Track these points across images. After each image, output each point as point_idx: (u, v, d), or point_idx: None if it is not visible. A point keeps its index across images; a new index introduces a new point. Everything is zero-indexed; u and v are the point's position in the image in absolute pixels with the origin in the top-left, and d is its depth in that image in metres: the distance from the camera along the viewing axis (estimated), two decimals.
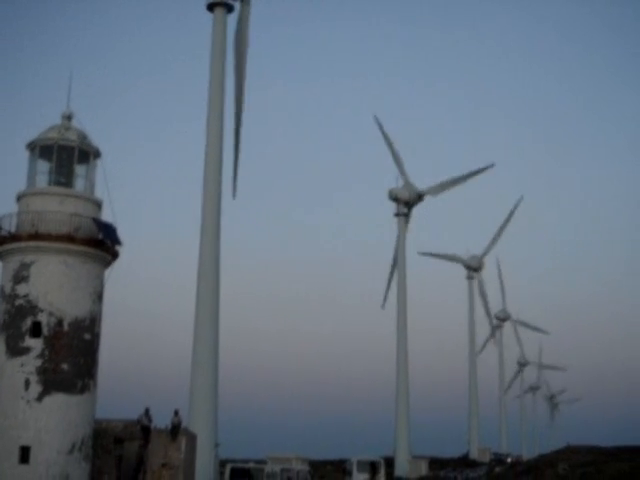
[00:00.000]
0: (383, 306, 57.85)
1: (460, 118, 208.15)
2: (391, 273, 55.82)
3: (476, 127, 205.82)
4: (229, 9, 32.99)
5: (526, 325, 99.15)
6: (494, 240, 71.31)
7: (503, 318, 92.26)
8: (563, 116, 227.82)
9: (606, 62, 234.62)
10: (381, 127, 53.21)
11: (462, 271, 72.63)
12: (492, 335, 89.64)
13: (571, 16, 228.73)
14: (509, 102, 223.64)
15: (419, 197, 53.84)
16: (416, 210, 54.40)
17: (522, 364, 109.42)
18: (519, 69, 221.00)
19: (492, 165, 59.33)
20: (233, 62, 33.61)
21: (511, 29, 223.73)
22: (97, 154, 45.07)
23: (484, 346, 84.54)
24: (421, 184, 57.35)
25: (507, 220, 71.92)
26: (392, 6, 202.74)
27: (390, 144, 56.50)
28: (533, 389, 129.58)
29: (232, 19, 35.23)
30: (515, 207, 72.28)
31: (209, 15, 34.52)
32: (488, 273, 78.76)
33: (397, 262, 51.60)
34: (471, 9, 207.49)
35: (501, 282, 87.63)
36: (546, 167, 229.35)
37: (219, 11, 32.69)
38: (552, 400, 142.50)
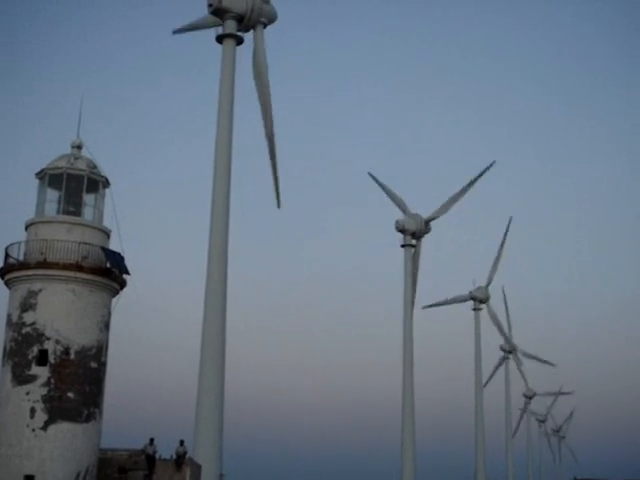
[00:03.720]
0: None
1: (456, 139, 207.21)
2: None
3: (476, 149, 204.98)
4: (239, 41, 33.19)
5: (532, 357, 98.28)
6: (494, 268, 70.47)
7: (509, 350, 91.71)
8: (562, 131, 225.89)
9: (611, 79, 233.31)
10: (377, 180, 53.15)
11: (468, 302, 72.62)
12: (503, 361, 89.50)
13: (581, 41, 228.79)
14: (506, 120, 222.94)
15: (426, 225, 53.49)
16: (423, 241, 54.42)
17: (528, 396, 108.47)
18: (513, 83, 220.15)
19: (493, 163, 57.83)
20: (256, 94, 33.66)
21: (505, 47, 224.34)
22: (106, 183, 45.31)
23: (491, 377, 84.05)
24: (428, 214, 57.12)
25: (502, 245, 71.00)
26: (386, 21, 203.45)
27: (389, 192, 56.49)
28: (540, 421, 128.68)
29: (240, 51, 35.52)
30: (507, 229, 71.31)
31: (219, 48, 34.84)
32: (494, 302, 78.85)
33: (404, 292, 51.37)
34: (464, 19, 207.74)
35: (507, 313, 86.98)
36: (543, 183, 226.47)
37: (228, 43, 32.90)
38: (558, 432, 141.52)
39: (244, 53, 35.26)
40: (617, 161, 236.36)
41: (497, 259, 69.47)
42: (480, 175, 55.90)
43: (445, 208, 54.85)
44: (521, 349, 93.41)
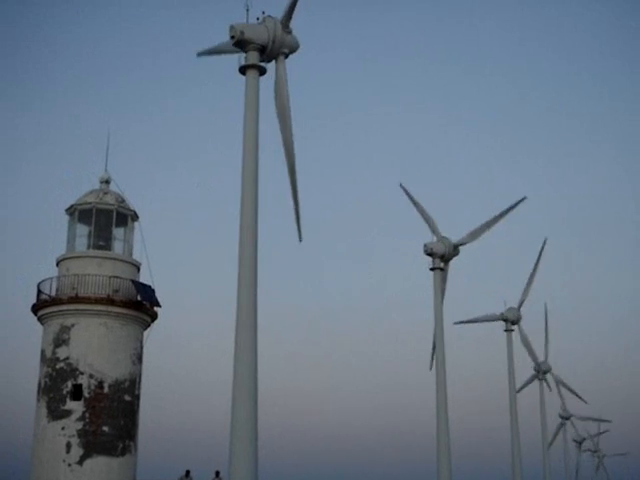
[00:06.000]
0: (430, 368, 56.56)
1: (483, 162, 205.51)
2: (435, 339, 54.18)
3: (504, 170, 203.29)
4: (261, 72, 33.44)
5: (565, 386, 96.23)
6: (526, 290, 69.70)
7: (545, 370, 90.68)
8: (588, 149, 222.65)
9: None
10: (408, 193, 52.54)
11: (500, 323, 71.79)
12: (536, 377, 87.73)
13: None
14: (535, 143, 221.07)
15: (455, 249, 53.17)
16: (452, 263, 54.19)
17: (564, 417, 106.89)
18: (544, 103, 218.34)
19: (524, 198, 56.70)
20: (278, 124, 33.84)
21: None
22: (135, 217, 45.76)
23: (522, 387, 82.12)
24: (457, 237, 56.89)
25: (536, 266, 70.06)
26: (413, 51, 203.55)
27: (420, 208, 55.97)
28: (577, 442, 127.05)
29: (263, 81, 35.75)
30: (541, 250, 70.05)
31: (242, 78, 35.11)
32: (528, 323, 78.07)
33: (435, 316, 51.13)
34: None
35: (546, 331, 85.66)
36: (575, 204, 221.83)
37: (251, 74, 33.14)
38: (597, 453, 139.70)
39: (267, 83, 35.65)
40: None
41: (530, 281, 68.70)
42: (511, 208, 55.41)
43: (475, 235, 54.33)
44: (554, 373, 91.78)
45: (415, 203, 54.83)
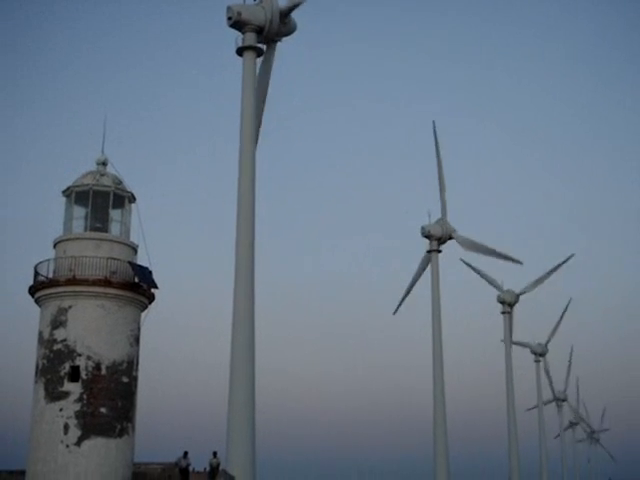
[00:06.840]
0: (395, 312, 56.27)
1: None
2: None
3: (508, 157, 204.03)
4: (259, 53, 33.25)
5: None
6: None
7: (541, 353, 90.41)
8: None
9: None
10: (436, 137, 49.65)
11: (493, 298, 70.91)
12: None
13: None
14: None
15: (450, 236, 52.64)
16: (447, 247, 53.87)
17: (560, 399, 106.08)
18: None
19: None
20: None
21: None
22: (132, 198, 45.64)
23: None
24: (453, 219, 56.27)
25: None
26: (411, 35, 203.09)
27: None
28: (572, 424, 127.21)
29: (260, 63, 35.51)
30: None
31: (239, 60, 34.82)
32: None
33: (432, 296, 50.82)
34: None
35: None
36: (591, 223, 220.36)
37: (248, 55, 32.94)
38: (592, 435, 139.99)
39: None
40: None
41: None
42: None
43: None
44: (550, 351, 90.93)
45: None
